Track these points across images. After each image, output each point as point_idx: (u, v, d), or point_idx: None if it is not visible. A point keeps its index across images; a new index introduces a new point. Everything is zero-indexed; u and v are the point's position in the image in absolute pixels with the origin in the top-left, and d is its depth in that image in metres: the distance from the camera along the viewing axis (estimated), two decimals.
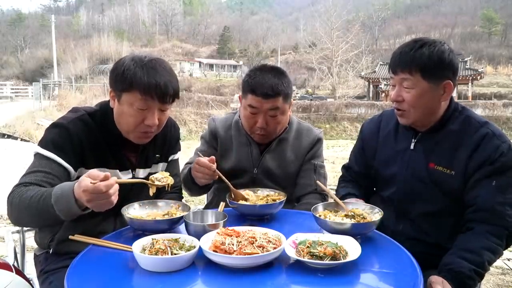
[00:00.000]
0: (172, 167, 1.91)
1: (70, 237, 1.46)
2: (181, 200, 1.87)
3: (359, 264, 1.24)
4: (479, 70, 33.99)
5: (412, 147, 1.71)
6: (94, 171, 1.30)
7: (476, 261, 1.45)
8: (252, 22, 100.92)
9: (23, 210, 1.43)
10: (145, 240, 1.30)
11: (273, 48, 69.98)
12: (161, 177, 1.58)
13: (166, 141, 1.85)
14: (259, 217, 1.68)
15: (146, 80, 1.52)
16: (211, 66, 62.62)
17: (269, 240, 1.28)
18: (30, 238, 1.86)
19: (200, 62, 60.97)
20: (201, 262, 1.26)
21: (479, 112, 23.22)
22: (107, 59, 52.60)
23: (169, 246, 1.26)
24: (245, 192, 1.77)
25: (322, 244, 1.26)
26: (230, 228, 1.34)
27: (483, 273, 1.47)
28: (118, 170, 1.67)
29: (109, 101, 1.68)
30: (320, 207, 1.59)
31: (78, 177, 1.55)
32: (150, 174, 1.77)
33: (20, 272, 1.50)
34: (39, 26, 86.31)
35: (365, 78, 37.00)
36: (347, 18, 49.06)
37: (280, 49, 63.23)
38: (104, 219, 1.67)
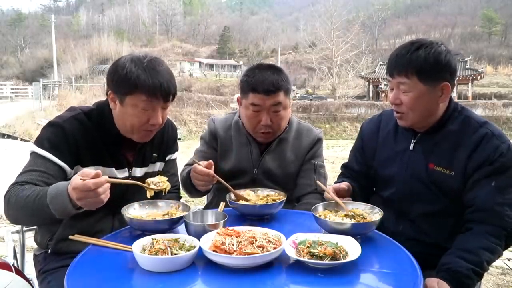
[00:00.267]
0: (169, 167, 1.93)
1: (70, 237, 1.46)
2: (179, 200, 1.87)
3: (359, 264, 1.24)
4: (479, 70, 33.98)
5: (411, 147, 1.70)
6: (87, 170, 1.32)
7: (474, 260, 1.44)
8: (252, 22, 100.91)
9: (19, 209, 1.44)
10: (145, 240, 1.30)
11: (273, 48, 70.01)
12: (158, 181, 1.58)
13: (163, 140, 1.86)
14: (259, 217, 1.68)
15: (151, 82, 1.54)
16: (211, 66, 62.62)
17: (269, 240, 1.28)
18: (30, 238, 1.86)
19: (200, 62, 60.98)
20: (201, 262, 1.26)
21: (479, 112, 23.23)
22: (107, 59, 52.58)
23: (169, 246, 1.26)
24: (246, 192, 1.77)
25: (322, 244, 1.26)
26: (230, 228, 1.34)
27: (481, 272, 1.46)
28: (114, 168, 1.68)
29: (106, 100, 1.69)
30: (320, 207, 1.59)
31: (74, 175, 1.59)
32: (146, 173, 1.79)
33: (20, 272, 1.50)
34: (39, 26, 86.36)
35: (365, 78, 36.99)
36: (347, 18, 49.04)
37: (280, 49, 63.25)
38: (102, 217, 1.68)
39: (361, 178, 1.89)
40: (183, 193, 2.04)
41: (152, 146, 1.81)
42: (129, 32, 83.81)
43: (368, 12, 79.41)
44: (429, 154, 1.65)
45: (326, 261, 1.20)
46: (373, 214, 1.54)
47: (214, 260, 1.22)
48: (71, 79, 34.43)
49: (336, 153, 13.80)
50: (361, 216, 1.50)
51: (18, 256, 1.85)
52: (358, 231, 1.43)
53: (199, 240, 1.29)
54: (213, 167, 1.70)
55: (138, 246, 1.26)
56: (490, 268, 1.52)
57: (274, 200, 1.70)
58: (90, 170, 1.31)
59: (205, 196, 2.30)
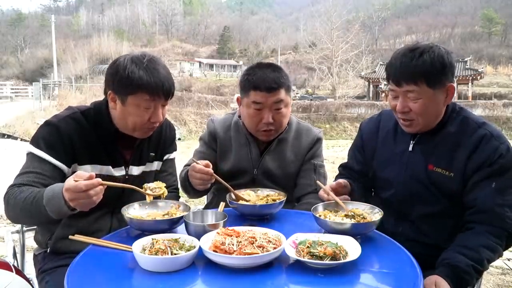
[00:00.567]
0: (167, 166, 1.94)
1: (70, 237, 1.47)
2: (178, 200, 1.87)
3: (359, 264, 1.24)
4: (479, 70, 33.97)
5: (410, 148, 1.70)
6: (81, 172, 1.35)
7: (474, 257, 1.44)
8: (252, 22, 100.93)
9: (18, 211, 1.48)
10: (145, 240, 1.30)
11: (273, 48, 70.03)
12: (155, 187, 1.58)
13: (161, 140, 1.88)
14: (259, 217, 1.68)
15: (153, 82, 1.57)
16: (211, 66, 62.62)
17: (269, 240, 1.27)
18: (30, 238, 1.87)
19: (200, 62, 60.97)
20: (201, 262, 1.26)
21: (479, 112, 23.24)
22: (107, 59, 52.56)
23: (169, 246, 1.26)
24: (246, 192, 1.77)
25: (322, 244, 1.26)
26: (230, 228, 1.34)
27: (481, 269, 1.46)
28: (111, 167, 1.70)
29: (103, 99, 1.71)
30: (320, 207, 1.59)
31: (72, 173, 1.59)
32: (144, 172, 1.81)
33: (20, 272, 1.51)
34: (39, 26, 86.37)
35: (365, 78, 36.98)
36: (347, 18, 49.07)
37: (280, 49, 63.28)
38: (100, 217, 1.70)
39: (361, 178, 1.89)
40: (182, 193, 2.04)
41: (149, 145, 1.82)
42: (129, 32, 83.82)
43: (368, 12, 79.45)
44: (429, 155, 1.65)
45: (326, 261, 1.20)
46: (373, 214, 1.54)
47: (214, 260, 1.22)
48: (71, 79, 34.40)
49: (336, 153, 13.80)
50: (361, 216, 1.50)
51: (18, 256, 1.86)
52: (358, 231, 1.43)
53: (199, 240, 1.29)
54: (211, 167, 1.70)
55: (138, 246, 1.26)
56: (490, 268, 1.52)
57: (274, 200, 1.70)
58: (84, 172, 1.34)
59: (205, 196, 2.30)
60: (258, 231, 1.33)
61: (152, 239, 1.30)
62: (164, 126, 1.89)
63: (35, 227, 1.81)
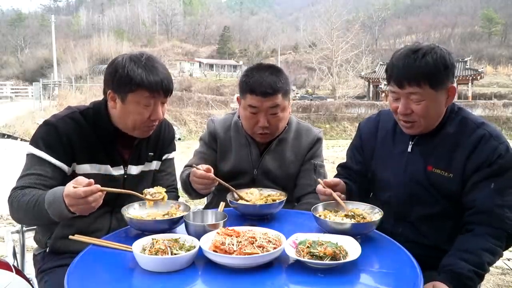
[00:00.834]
0: (166, 166, 1.94)
1: (70, 237, 1.47)
2: (177, 200, 1.87)
3: (359, 264, 1.24)
4: (479, 70, 33.95)
5: (409, 149, 1.69)
6: (81, 178, 1.36)
7: (476, 262, 1.44)
8: (252, 22, 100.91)
9: (22, 214, 1.52)
10: (145, 240, 1.30)
11: (273, 48, 70.00)
12: (154, 192, 1.58)
13: (160, 140, 1.88)
14: (259, 216, 1.68)
15: (153, 79, 1.59)
16: (211, 66, 62.61)
17: (269, 240, 1.27)
18: (30, 238, 1.87)
19: (200, 62, 60.96)
20: (201, 262, 1.26)
21: (479, 112, 23.23)
22: (107, 59, 52.53)
23: (169, 246, 1.26)
24: (250, 191, 1.78)
25: (322, 244, 1.26)
26: (230, 228, 1.34)
27: (482, 273, 1.46)
28: (109, 166, 1.70)
29: (102, 99, 1.72)
30: (320, 207, 1.59)
31: (73, 172, 1.62)
32: (142, 171, 1.81)
33: (20, 272, 1.51)
34: (39, 26, 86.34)
35: (365, 78, 36.97)
36: (347, 18, 49.09)
37: (280, 49, 63.24)
38: (100, 216, 1.70)
39: (359, 178, 1.87)
40: (182, 193, 2.04)
41: (148, 145, 1.82)
42: (129, 32, 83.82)
43: (368, 12, 79.45)
44: (428, 156, 1.64)
45: (326, 261, 1.20)
46: (373, 214, 1.54)
47: (214, 260, 1.22)
48: (71, 79, 34.42)
49: (336, 153, 13.81)
50: (361, 216, 1.50)
51: (18, 256, 1.86)
52: (358, 231, 1.43)
53: (199, 240, 1.29)
54: (212, 171, 1.70)
55: (138, 246, 1.26)
56: (490, 268, 1.52)
57: (274, 200, 1.70)
58: (83, 178, 1.36)
59: (205, 196, 2.30)
60: (258, 231, 1.33)
61: (152, 239, 1.30)
62: (163, 126, 1.90)
63: (35, 227, 1.82)
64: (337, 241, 1.30)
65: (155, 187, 1.60)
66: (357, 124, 2.03)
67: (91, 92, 27.44)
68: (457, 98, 30.32)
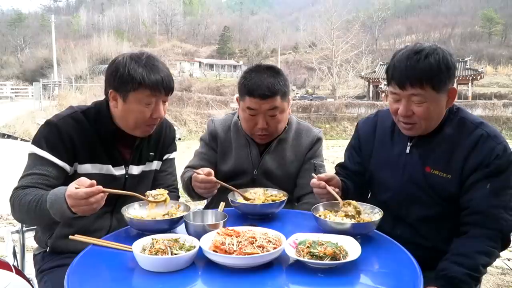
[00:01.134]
0: (167, 166, 1.95)
1: (70, 237, 1.47)
2: (178, 200, 1.88)
3: (359, 264, 1.24)
4: (479, 70, 33.97)
5: (408, 150, 1.68)
6: (83, 178, 1.36)
7: (470, 265, 1.43)
8: (252, 22, 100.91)
9: (24, 214, 1.51)
10: (145, 240, 1.30)
11: (273, 48, 70.02)
12: (156, 193, 1.58)
13: (160, 140, 1.89)
14: (260, 216, 1.68)
15: (154, 78, 1.60)
16: (211, 66, 62.61)
17: (269, 240, 1.28)
18: (30, 238, 1.87)
19: (200, 62, 60.96)
20: (201, 262, 1.26)
21: (479, 112, 23.23)
22: (107, 59, 52.55)
23: (169, 246, 1.26)
24: (254, 190, 1.78)
25: (322, 244, 1.26)
26: (230, 228, 1.34)
27: (478, 276, 1.45)
28: (111, 166, 1.71)
29: (104, 99, 1.72)
30: (320, 207, 1.59)
31: (75, 172, 1.63)
32: (143, 171, 1.82)
33: (20, 272, 1.51)
34: (39, 26, 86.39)
35: (365, 78, 36.99)
36: (347, 18, 49.05)
37: (280, 49, 63.24)
38: (100, 216, 1.71)
39: (357, 178, 1.86)
40: (182, 193, 2.04)
41: (149, 145, 1.83)
42: (129, 32, 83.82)
43: (368, 12, 79.35)
44: (426, 158, 1.63)
45: (326, 261, 1.20)
46: (373, 214, 1.54)
47: (214, 260, 1.22)
48: (71, 79, 34.46)
49: (336, 153, 13.80)
50: (356, 209, 1.51)
51: (18, 256, 1.86)
52: (358, 231, 1.43)
53: (199, 240, 1.29)
54: (213, 174, 1.70)
55: (138, 246, 1.26)
56: (490, 268, 1.51)
57: (274, 200, 1.70)
58: (86, 179, 1.36)
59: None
60: (258, 231, 1.33)
61: (152, 239, 1.30)
62: (164, 126, 1.90)
63: (35, 227, 1.82)
64: (337, 241, 1.30)
65: (157, 189, 1.60)
66: None
67: (91, 92, 27.46)
68: (457, 98, 30.21)
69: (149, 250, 1.24)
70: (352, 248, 1.27)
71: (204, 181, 1.69)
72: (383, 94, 32.67)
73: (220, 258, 1.20)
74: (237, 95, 2.04)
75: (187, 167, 2.07)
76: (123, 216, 1.49)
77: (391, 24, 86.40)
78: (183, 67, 56.61)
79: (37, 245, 1.78)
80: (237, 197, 1.73)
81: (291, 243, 1.30)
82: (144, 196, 1.55)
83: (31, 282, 1.57)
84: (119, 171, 1.73)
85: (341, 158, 1.99)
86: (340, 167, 1.95)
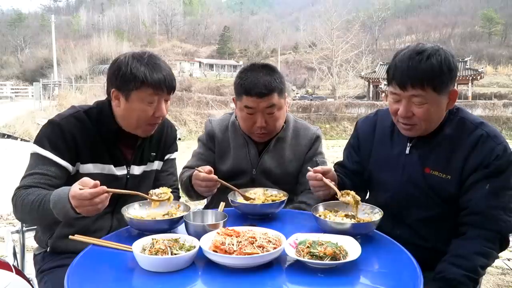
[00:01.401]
0: (168, 166, 1.95)
1: (70, 237, 1.47)
2: (178, 200, 1.88)
3: (359, 264, 1.24)
4: (479, 70, 33.98)
5: (407, 151, 1.67)
6: (87, 179, 1.36)
7: (468, 266, 1.42)
8: (252, 22, 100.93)
9: (26, 213, 1.51)
10: (145, 240, 1.30)
11: (273, 48, 70.06)
12: (160, 192, 1.58)
13: (162, 140, 1.89)
14: (260, 216, 1.68)
15: (156, 77, 1.61)
16: (211, 66, 62.61)
17: (269, 240, 1.27)
18: (30, 238, 1.87)
19: (200, 62, 60.98)
20: (201, 262, 1.26)
21: (479, 112, 23.23)
22: (107, 59, 52.58)
23: (169, 246, 1.26)
24: (254, 191, 1.78)
25: (322, 244, 1.26)
26: (230, 228, 1.34)
27: (476, 278, 1.44)
28: (112, 166, 1.71)
29: (106, 99, 1.72)
30: (320, 207, 1.59)
31: (77, 172, 1.62)
32: (145, 171, 1.82)
33: (20, 272, 1.51)
34: (39, 26, 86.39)
35: (365, 78, 37.00)
36: (347, 18, 49.09)
37: (280, 49, 63.26)
38: (101, 216, 1.70)
39: (354, 177, 1.85)
40: (182, 193, 2.04)
41: (150, 145, 1.83)
42: (129, 32, 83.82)
43: (368, 12, 79.37)
44: (426, 158, 1.62)
45: (326, 261, 1.20)
46: (373, 214, 1.54)
47: (214, 260, 1.22)
48: (71, 79, 34.46)
49: (336, 153, 13.80)
50: (354, 198, 1.51)
51: (18, 256, 1.86)
52: (358, 231, 1.43)
53: (199, 240, 1.29)
54: (213, 172, 1.70)
55: (138, 246, 1.26)
56: (490, 268, 1.51)
57: (273, 200, 1.71)
58: (89, 180, 1.36)
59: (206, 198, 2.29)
60: (258, 231, 1.33)
61: (152, 239, 1.30)
62: (165, 126, 1.90)
63: (36, 227, 1.82)
64: (337, 241, 1.30)
65: (161, 188, 1.60)
66: None
67: (91, 92, 27.46)
68: (457, 98, 30.24)
69: (149, 250, 1.24)
70: (352, 248, 1.27)
71: (205, 179, 1.69)
72: (383, 94, 32.67)
73: (220, 258, 1.20)
74: (233, 95, 2.04)
75: (185, 167, 2.07)
76: (123, 216, 1.49)
77: (391, 24, 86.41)
78: (183, 67, 56.60)
79: (37, 245, 1.78)
80: (237, 197, 1.74)
81: (291, 243, 1.30)
82: (148, 195, 1.54)
83: (31, 282, 1.57)
84: (120, 171, 1.74)
85: (341, 158, 1.99)
86: (338, 166, 1.94)
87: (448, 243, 1.55)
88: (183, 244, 1.29)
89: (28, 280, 1.53)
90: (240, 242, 1.24)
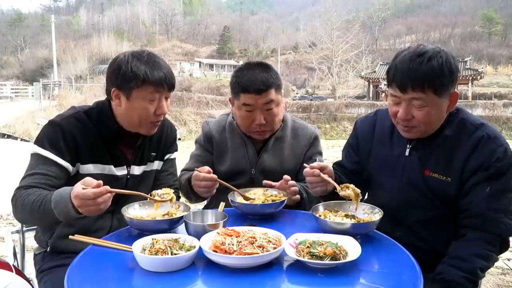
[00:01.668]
0: (168, 166, 1.95)
1: (70, 237, 1.47)
2: (178, 200, 1.88)
3: (359, 264, 1.24)
4: (479, 70, 33.98)
5: (407, 153, 1.66)
6: (89, 179, 1.37)
7: (468, 268, 1.42)
8: (252, 22, 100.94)
9: (27, 214, 1.51)
10: (145, 240, 1.30)
11: (273, 48, 70.06)
12: (163, 193, 1.58)
13: (162, 140, 1.89)
14: (260, 216, 1.68)
15: (157, 74, 1.62)
16: (211, 66, 62.60)
17: (269, 240, 1.27)
18: (30, 238, 1.87)
19: (200, 62, 60.96)
20: (201, 262, 1.26)
21: (479, 112, 23.22)
22: (107, 59, 52.53)
23: (169, 246, 1.26)
24: (254, 191, 1.78)
25: (322, 244, 1.26)
26: (230, 228, 1.34)
27: (475, 280, 1.44)
28: (112, 166, 1.71)
29: (106, 99, 1.72)
30: (320, 207, 1.59)
31: (77, 172, 1.62)
32: (145, 171, 1.82)
33: (20, 272, 1.51)
34: (39, 26, 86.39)
35: (365, 78, 37.01)
36: (347, 18, 49.07)
37: (280, 49, 63.26)
38: (101, 216, 1.70)
39: (353, 177, 1.84)
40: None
41: (150, 145, 1.83)
42: (129, 32, 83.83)
43: (368, 12, 79.35)
44: (425, 160, 1.61)
45: (326, 261, 1.20)
46: (373, 214, 1.54)
47: (214, 260, 1.22)
48: (71, 79, 34.47)
49: (336, 153, 13.79)
50: (355, 192, 1.51)
51: (18, 256, 1.86)
52: (358, 231, 1.43)
53: (199, 240, 1.29)
54: (212, 172, 1.71)
55: (138, 246, 1.26)
56: (484, 274, 1.49)
57: (273, 200, 1.71)
58: (92, 179, 1.36)
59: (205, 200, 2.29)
60: (258, 231, 1.33)
61: (152, 239, 1.30)
62: (165, 126, 1.91)
63: (36, 227, 1.82)
64: (337, 241, 1.30)
65: (163, 188, 1.60)
66: None
67: (91, 92, 27.46)
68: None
69: (149, 250, 1.24)
70: (352, 248, 1.27)
71: (205, 178, 1.69)
72: (383, 94, 32.67)
73: (220, 258, 1.20)
74: (229, 95, 2.04)
75: (183, 170, 2.07)
76: (124, 216, 1.49)
77: (391, 24, 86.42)
78: (183, 67, 56.59)
79: (37, 245, 1.78)
80: (237, 197, 1.74)
81: (291, 243, 1.30)
82: (150, 196, 1.54)
83: (31, 282, 1.57)
84: (121, 171, 1.74)
85: (340, 158, 1.99)
86: (337, 165, 1.93)
87: (447, 245, 1.54)
88: (183, 244, 1.29)
89: (28, 280, 1.53)
90: (240, 242, 1.24)
